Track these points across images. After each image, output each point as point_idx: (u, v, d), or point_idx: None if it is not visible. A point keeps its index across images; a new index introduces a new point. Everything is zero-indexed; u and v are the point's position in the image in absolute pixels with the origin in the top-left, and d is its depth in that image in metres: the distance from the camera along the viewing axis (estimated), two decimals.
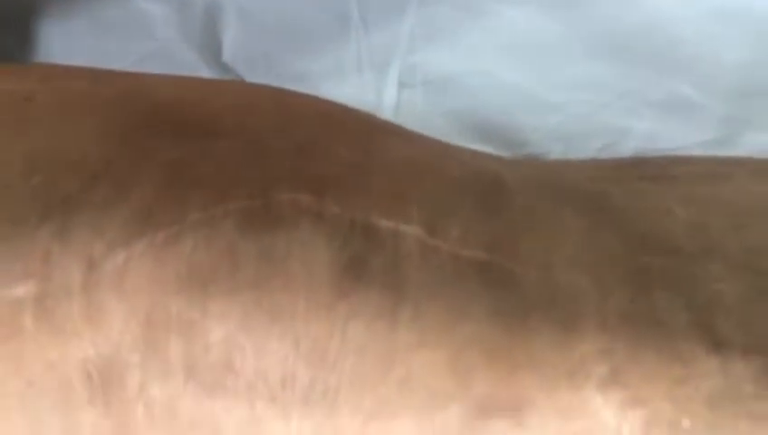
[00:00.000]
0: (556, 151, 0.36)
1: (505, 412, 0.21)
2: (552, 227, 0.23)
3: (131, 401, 0.21)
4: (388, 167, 0.24)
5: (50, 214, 0.22)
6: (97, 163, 0.23)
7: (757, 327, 0.21)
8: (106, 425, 0.21)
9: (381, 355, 0.21)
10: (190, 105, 0.25)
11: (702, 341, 0.21)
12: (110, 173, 0.22)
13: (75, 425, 0.21)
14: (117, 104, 0.25)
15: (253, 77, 0.36)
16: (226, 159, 0.23)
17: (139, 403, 0.21)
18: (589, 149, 0.36)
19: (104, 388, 0.21)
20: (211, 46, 0.37)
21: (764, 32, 0.36)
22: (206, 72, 0.36)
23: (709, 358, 0.21)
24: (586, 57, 0.37)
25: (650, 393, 0.21)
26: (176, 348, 0.21)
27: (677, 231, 0.23)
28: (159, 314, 0.21)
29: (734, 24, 0.36)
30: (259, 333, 0.21)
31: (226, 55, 0.37)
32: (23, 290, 0.21)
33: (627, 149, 0.37)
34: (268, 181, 0.22)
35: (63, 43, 0.36)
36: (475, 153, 0.27)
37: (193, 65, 0.37)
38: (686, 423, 0.21)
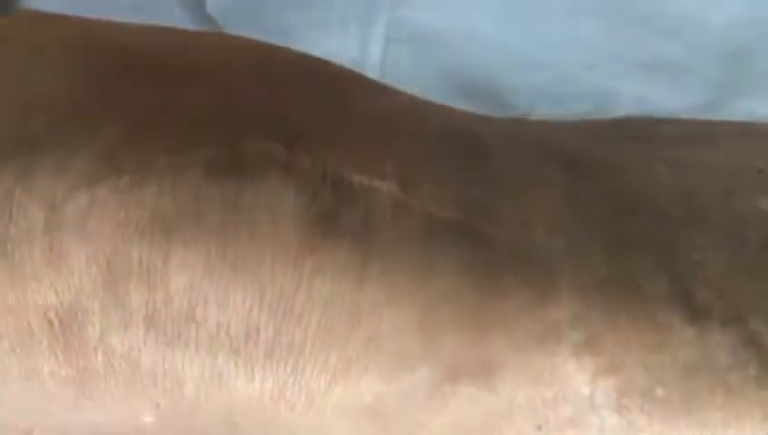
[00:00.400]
0: (541, 111, 0.35)
1: (475, 377, 0.20)
2: (531, 188, 0.22)
3: (91, 351, 0.21)
4: (364, 120, 0.23)
5: (15, 154, 0.21)
6: (66, 104, 0.22)
7: (736, 299, 0.21)
8: (65, 373, 0.21)
9: (348, 312, 0.20)
10: (166, 53, 0.24)
11: (680, 310, 0.20)
12: (79, 115, 0.22)
13: (34, 371, 0.21)
14: (92, 48, 0.24)
15: (236, 30, 0.35)
16: (197, 106, 0.22)
17: (98, 353, 0.21)
18: (575, 109, 0.36)
19: (64, 336, 0.21)
20: None
21: None
22: (189, 25, 0.35)
23: (686, 327, 0.20)
24: (574, 17, 0.36)
25: (624, 360, 0.20)
26: (136, 296, 0.20)
27: (662, 194, 0.23)
28: (121, 259, 0.20)
29: None
30: (222, 284, 0.20)
31: (210, 7, 0.36)
32: None
33: (614, 111, 0.36)
34: (238, 130, 0.21)
35: None
36: (455, 111, 0.26)
37: (177, 17, 0.36)
38: (659, 392, 0.20)
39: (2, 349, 0.21)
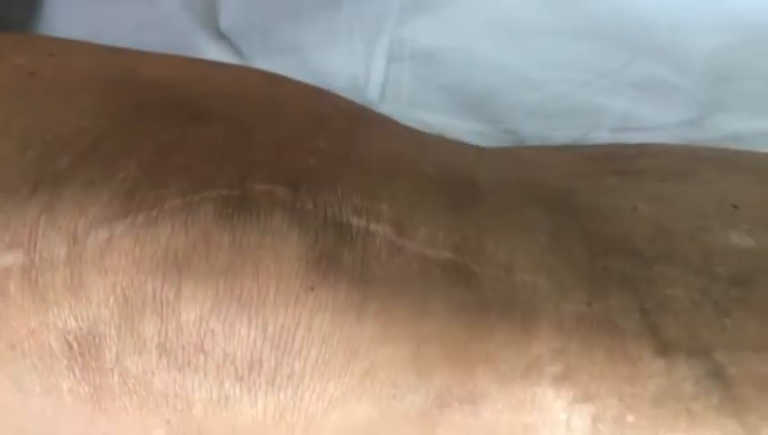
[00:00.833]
0: (536, 128, 0.36)
1: (462, 404, 0.21)
2: (517, 229, 0.23)
3: (107, 371, 0.21)
4: (364, 164, 0.23)
5: (40, 188, 0.22)
6: (88, 141, 0.22)
7: (702, 332, 0.21)
8: (83, 390, 0.21)
9: (346, 346, 0.21)
10: (181, 86, 0.25)
11: (650, 343, 0.21)
12: (99, 152, 0.22)
13: (54, 387, 0.22)
14: (113, 84, 0.24)
15: (248, 46, 0.36)
16: (209, 147, 0.22)
17: (114, 373, 0.21)
18: (568, 127, 0.36)
19: (82, 357, 0.21)
20: (209, 15, 0.36)
21: (735, 20, 0.36)
22: (203, 40, 0.36)
23: (655, 360, 0.21)
24: (568, 39, 0.36)
25: (599, 390, 0.21)
26: (150, 325, 0.21)
27: (640, 233, 0.23)
28: (136, 292, 0.21)
29: (707, 12, 0.36)
30: (229, 318, 0.21)
31: (223, 24, 0.36)
32: (11, 259, 0.21)
33: (604, 127, 0.36)
34: (246, 171, 0.22)
35: (65, 10, 0.35)
36: (452, 147, 0.26)
37: (191, 34, 0.36)
38: (629, 418, 0.21)
39: (25, 366, 0.21)
